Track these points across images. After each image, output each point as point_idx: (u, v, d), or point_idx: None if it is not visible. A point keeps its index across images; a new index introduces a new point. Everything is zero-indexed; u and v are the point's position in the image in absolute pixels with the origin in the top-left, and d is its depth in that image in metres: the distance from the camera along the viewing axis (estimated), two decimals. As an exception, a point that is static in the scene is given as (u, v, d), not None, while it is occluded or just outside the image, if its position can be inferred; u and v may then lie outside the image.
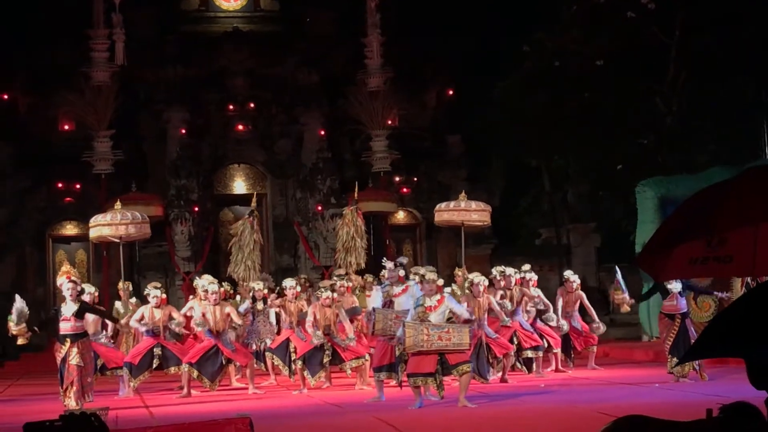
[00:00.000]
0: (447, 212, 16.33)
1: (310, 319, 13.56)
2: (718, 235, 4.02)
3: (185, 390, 13.62)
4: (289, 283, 14.83)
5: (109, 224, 15.62)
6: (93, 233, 16.14)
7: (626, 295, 14.63)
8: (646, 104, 24.76)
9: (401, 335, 11.04)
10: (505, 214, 22.66)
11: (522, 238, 27.74)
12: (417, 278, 12.80)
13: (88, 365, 12.02)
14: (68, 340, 11.82)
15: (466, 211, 16.10)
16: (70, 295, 11.89)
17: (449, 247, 23.57)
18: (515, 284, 14.67)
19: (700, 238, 4.03)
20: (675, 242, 4.05)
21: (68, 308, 11.85)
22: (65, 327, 11.86)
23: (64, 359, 11.82)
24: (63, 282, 12.13)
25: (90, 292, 14.33)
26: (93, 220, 15.98)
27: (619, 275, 14.83)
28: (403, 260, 12.70)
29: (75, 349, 11.79)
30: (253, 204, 17.67)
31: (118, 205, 16.46)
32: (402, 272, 12.83)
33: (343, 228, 17.79)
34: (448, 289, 11.90)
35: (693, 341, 12.51)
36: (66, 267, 12.55)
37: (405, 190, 24.48)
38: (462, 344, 10.90)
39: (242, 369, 14.82)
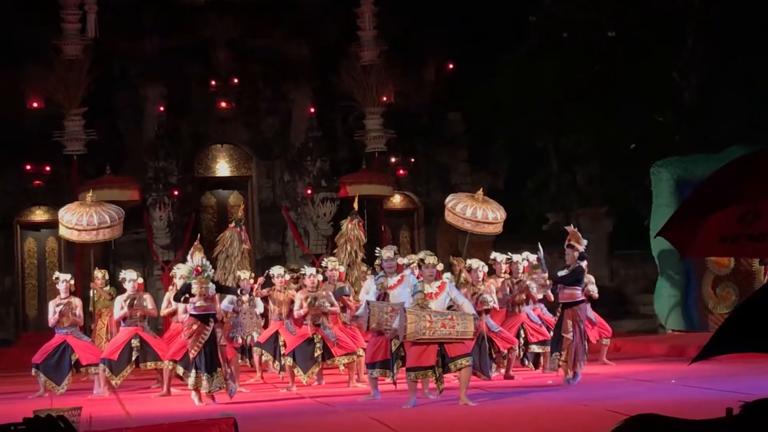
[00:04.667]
0: (458, 218, 15.89)
1: (297, 305, 13.57)
2: (753, 208, 3.92)
3: (164, 388, 13.61)
4: (276, 271, 14.84)
5: (79, 230, 15.57)
6: (61, 231, 16.10)
7: (545, 274, 13.69)
8: (662, 78, 24.72)
9: (399, 322, 10.96)
10: (509, 198, 22.57)
11: (528, 224, 27.73)
12: (414, 266, 12.75)
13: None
14: (212, 320, 12.26)
15: (478, 223, 15.79)
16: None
17: (450, 234, 23.53)
18: (523, 271, 14.66)
19: (734, 209, 3.94)
20: (706, 210, 3.97)
21: (212, 287, 12.31)
22: (204, 305, 12.19)
23: (211, 340, 12.09)
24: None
25: (66, 279, 14.35)
26: (63, 217, 15.84)
27: (541, 252, 14.24)
28: (389, 253, 12.41)
29: (220, 330, 12.48)
30: (240, 213, 17.60)
31: (90, 195, 16.33)
32: (401, 260, 12.78)
33: (344, 246, 17.48)
34: (447, 275, 11.80)
35: (564, 334, 12.54)
36: (199, 245, 12.88)
37: (401, 171, 24.42)
38: (466, 333, 10.89)
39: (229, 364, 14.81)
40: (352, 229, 17.37)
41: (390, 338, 11.71)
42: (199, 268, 12.11)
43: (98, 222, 15.62)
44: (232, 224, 17.31)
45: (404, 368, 11.44)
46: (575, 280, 12.76)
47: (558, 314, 13.05)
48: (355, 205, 17.88)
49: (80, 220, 15.61)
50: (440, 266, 11.58)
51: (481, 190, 16.49)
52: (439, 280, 11.29)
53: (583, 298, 13.02)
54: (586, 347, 14.33)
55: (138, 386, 15.06)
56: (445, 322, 10.79)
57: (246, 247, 17.01)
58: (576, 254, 12.84)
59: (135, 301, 14.04)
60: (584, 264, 15.18)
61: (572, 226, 13.51)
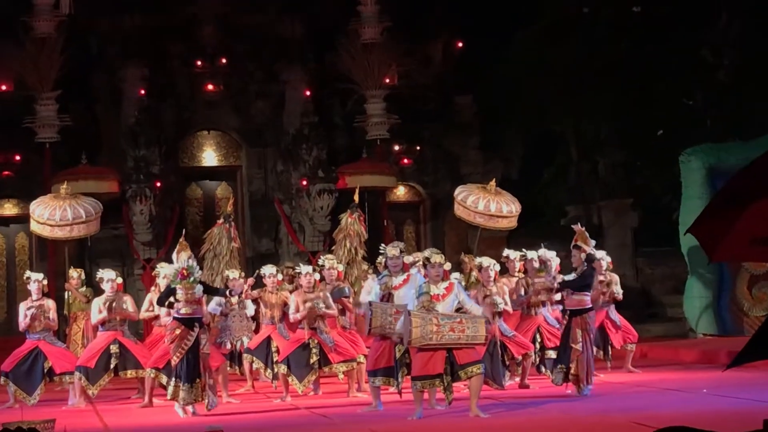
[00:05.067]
0: (469, 212, 15.84)
1: (293, 308, 13.59)
2: None
3: (146, 398, 13.63)
4: (268, 270, 14.82)
5: (52, 225, 15.59)
6: (32, 226, 16.10)
7: (550, 278, 13.91)
8: (693, 58, 24.69)
9: (403, 327, 10.94)
10: (524, 189, 22.57)
11: (545, 217, 27.74)
12: (419, 265, 12.75)
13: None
14: (197, 325, 12.11)
15: (491, 217, 15.74)
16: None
17: (459, 229, 23.54)
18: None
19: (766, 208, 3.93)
20: (741, 204, 3.96)
21: (198, 289, 12.13)
22: (189, 311, 12.06)
23: (193, 348, 11.99)
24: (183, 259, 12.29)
25: (38, 279, 14.34)
26: (34, 211, 15.83)
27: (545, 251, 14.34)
28: (395, 251, 12.40)
29: (204, 337, 12.25)
30: (230, 208, 17.58)
31: (65, 187, 16.32)
32: (406, 259, 12.77)
33: (343, 242, 17.39)
34: (455, 275, 11.78)
35: (573, 345, 12.47)
36: (184, 243, 12.73)
37: (406, 161, 24.42)
38: (477, 337, 10.89)
39: (213, 373, 14.81)
40: (352, 223, 17.33)
41: (395, 342, 11.70)
42: (184, 271, 12.05)
43: (72, 217, 15.62)
44: (221, 220, 17.33)
45: (409, 377, 11.45)
46: (584, 285, 12.69)
47: (564, 322, 12.96)
48: (356, 198, 17.84)
49: (53, 214, 15.62)
50: (448, 265, 11.57)
51: (493, 180, 16.46)
52: (446, 280, 11.29)
53: (591, 305, 12.95)
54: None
55: (117, 396, 15.08)
56: (454, 326, 10.78)
57: (235, 245, 17.03)
58: (583, 256, 12.78)
59: (114, 303, 14.03)
60: (605, 262, 15.20)
61: (579, 225, 13.45)
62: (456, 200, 16.04)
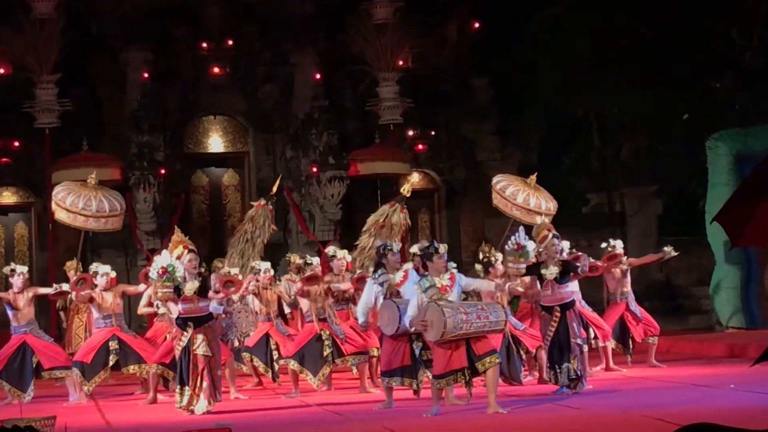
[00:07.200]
0: (508, 203, 15.72)
1: (293, 290, 13.67)
2: None
3: (151, 394, 13.66)
4: (263, 266, 14.77)
5: (86, 215, 15.58)
6: (60, 215, 16.00)
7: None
8: (720, 38, 24.61)
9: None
10: (544, 176, 22.48)
11: (566, 205, 27.69)
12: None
13: (216, 355, 12.06)
14: (191, 324, 11.91)
15: (530, 211, 15.65)
16: (190, 270, 11.96)
17: (476, 218, 23.54)
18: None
19: None
20: (765, 191, 3.96)
21: (189, 286, 11.91)
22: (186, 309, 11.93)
23: (186, 349, 11.89)
24: (182, 253, 12.13)
25: (22, 272, 14.29)
26: (63, 199, 15.74)
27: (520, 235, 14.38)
28: (397, 245, 12.45)
29: (200, 336, 11.86)
30: (274, 189, 17.44)
31: (93, 176, 16.28)
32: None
33: (394, 239, 16.80)
34: (452, 264, 11.71)
35: (574, 339, 12.31)
36: (178, 236, 12.58)
37: (420, 146, 24.39)
38: (500, 322, 10.96)
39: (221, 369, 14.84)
40: (404, 218, 16.74)
41: (410, 340, 11.64)
42: (161, 269, 11.84)
43: (109, 209, 15.65)
44: (262, 201, 17.18)
45: (427, 376, 11.46)
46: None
47: (555, 318, 12.63)
48: (406, 191, 16.34)
49: (88, 204, 15.57)
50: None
51: (534, 175, 16.34)
52: (447, 271, 11.28)
53: (573, 296, 12.84)
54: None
55: (119, 392, 15.12)
56: (479, 313, 10.82)
57: (274, 228, 16.90)
58: (561, 245, 12.72)
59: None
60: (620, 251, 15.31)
61: (543, 217, 13.36)
62: (494, 189, 15.93)
